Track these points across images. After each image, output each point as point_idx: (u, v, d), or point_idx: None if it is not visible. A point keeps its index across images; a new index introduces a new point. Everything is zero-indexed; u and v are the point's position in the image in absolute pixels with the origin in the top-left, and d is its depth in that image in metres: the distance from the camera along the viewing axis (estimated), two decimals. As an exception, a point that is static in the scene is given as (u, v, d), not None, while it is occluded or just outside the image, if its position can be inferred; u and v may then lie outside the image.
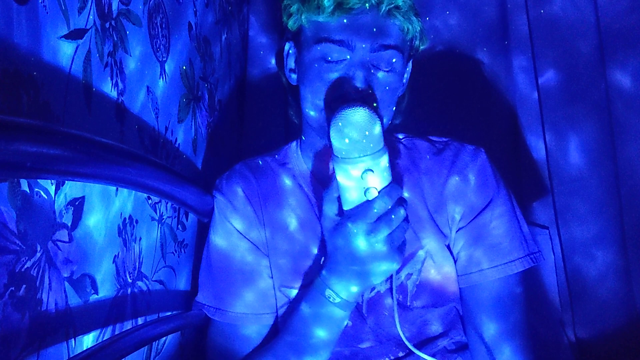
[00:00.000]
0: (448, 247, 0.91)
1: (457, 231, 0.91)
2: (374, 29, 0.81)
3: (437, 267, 0.90)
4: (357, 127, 0.71)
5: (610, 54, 1.21)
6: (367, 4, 0.81)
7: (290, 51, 0.92)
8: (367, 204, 0.74)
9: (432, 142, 0.96)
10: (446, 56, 1.36)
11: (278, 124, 1.40)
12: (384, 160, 0.74)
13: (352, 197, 0.75)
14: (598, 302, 1.23)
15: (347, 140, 0.72)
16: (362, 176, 0.73)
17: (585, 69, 1.22)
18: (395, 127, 0.95)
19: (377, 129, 0.72)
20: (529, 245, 0.90)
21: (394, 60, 0.83)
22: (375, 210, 0.73)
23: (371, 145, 0.72)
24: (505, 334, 0.87)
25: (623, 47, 1.21)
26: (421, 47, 0.90)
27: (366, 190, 0.73)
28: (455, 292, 0.91)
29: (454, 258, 0.91)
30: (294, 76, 0.92)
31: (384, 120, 0.84)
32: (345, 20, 0.81)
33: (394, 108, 0.87)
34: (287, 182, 0.95)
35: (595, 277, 1.22)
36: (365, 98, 0.81)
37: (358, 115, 0.72)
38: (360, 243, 0.74)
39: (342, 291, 0.78)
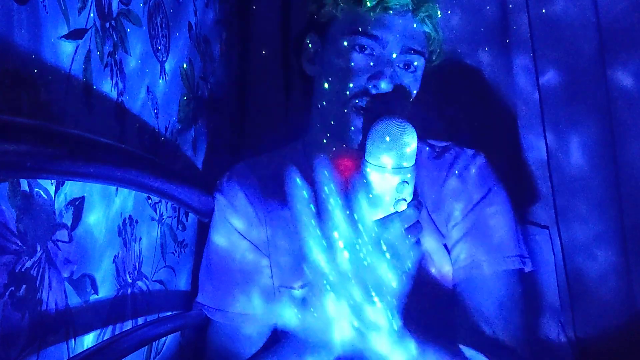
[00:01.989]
0: (446, 246, 0.91)
1: (453, 227, 0.91)
2: (407, 31, 0.84)
3: (435, 266, 0.90)
4: (402, 139, 0.71)
5: (612, 54, 1.21)
6: (405, 7, 0.83)
7: (312, 42, 0.92)
8: (397, 215, 0.73)
9: (432, 146, 0.97)
10: (447, 56, 1.35)
11: (278, 123, 1.40)
12: (415, 174, 0.74)
13: (376, 206, 0.73)
14: (598, 302, 1.22)
15: (391, 150, 0.71)
16: (397, 187, 0.72)
17: (586, 68, 1.22)
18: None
19: (415, 144, 0.73)
20: (521, 248, 0.90)
21: (417, 64, 0.86)
22: (405, 225, 0.72)
23: (411, 157, 0.73)
24: (504, 334, 0.87)
25: (625, 47, 1.21)
26: (435, 62, 0.92)
27: (396, 202, 0.73)
28: (454, 291, 0.91)
29: (451, 257, 0.91)
30: (311, 67, 0.92)
31: None
32: (382, 18, 0.83)
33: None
34: (288, 181, 0.95)
35: (596, 277, 1.22)
36: (389, 97, 0.82)
37: (404, 128, 0.72)
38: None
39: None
